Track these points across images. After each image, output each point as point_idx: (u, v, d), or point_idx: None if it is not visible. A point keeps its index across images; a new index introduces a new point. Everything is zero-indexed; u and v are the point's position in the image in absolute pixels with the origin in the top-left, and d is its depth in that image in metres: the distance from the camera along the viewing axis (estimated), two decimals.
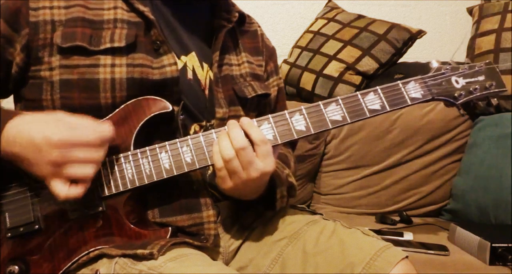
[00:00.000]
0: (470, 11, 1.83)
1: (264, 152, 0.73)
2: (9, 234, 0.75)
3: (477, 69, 0.82)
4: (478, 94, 0.81)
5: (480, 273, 1.13)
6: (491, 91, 0.82)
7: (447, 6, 2.26)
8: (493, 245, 1.14)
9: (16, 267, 0.74)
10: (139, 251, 0.70)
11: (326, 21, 1.98)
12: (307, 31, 2.00)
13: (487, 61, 0.84)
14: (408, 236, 1.33)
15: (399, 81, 0.79)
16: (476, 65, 0.83)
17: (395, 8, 2.23)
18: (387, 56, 1.82)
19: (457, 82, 0.81)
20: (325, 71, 1.84)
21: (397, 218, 1.54)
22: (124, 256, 0.72)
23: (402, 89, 0.79)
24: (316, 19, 2.04)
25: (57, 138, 0.68)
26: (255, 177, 0.73)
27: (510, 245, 1.14)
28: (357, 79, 1.81)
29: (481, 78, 0.82)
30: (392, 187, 1.65)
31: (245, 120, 0.75)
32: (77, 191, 0.70)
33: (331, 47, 1.87)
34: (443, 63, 0.83)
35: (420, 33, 1.85)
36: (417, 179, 1.64)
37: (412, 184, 1.64)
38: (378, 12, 2.08)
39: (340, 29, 1.91)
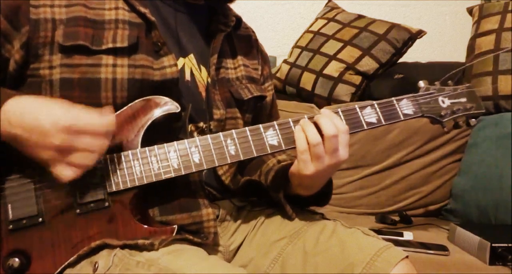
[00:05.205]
0: (470, 11, 1.83)
1: (345, 140, 0.79)
2: (11, 226, 0.74)
3: (460, 92, 0.92)
4: (460, 114, 0.91)
5: (480, 273, 1.13)
6: (471, 112, 0.91)
7: (447, 6, 2.26)
8: (493, 245, 1.14)
9: (17, 260, 0.72)
10: (140, 241, 0.71)
11: (326, 21, 1.98)
12: (307, 31, 2.00)
13: (467, 84, 0.93)
14: (408, 236, 1.33)
15: (393, 98, 0.87)
16: (458, 88, 0.92)
17: (395, 8, 2.24)
18: (387, 56, 1.82)
19: (443, 102, 0.90)
20: (325, 71, 1.84)
21: (397, 218, 1.54)
22: (125, 246, 0.72)
23: (396, 105, 0.86)
24: (316, 19, 2.04)
25: (64, 123, 0.68)
26: (335, 162, 0.79)
27: (510, 245, 1.14)
28: (357, 79, 1.81)
29: (463, 100, 0.92)
30: (392, 187, 1.65)
31: (326, 111, 0.80)
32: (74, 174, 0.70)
33: (331, 47, 1.87)
34: (430, 84, 0.91)
35: (420, 33, 1.85)
36: (417, 179, 1.64)
37: (412, 184, 1.64)
38: (378, 12, 2.08)
39: (340, 29, 1.91)
